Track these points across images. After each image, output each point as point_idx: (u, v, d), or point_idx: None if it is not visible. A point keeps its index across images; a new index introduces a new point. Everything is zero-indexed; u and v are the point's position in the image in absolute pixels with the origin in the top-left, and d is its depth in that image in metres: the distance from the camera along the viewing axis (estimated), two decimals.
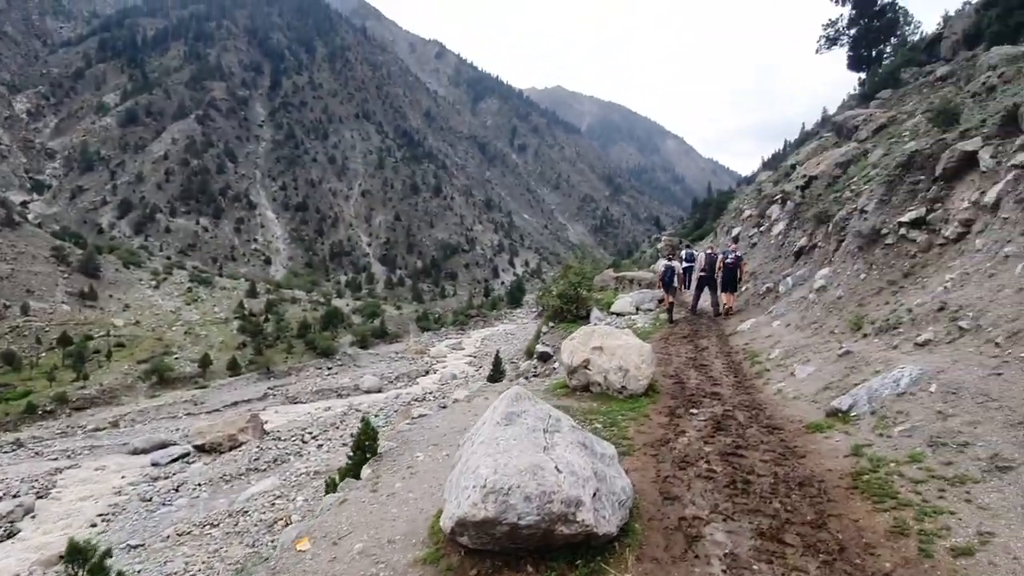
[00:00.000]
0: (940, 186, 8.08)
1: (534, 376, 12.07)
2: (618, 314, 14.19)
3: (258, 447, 26.77)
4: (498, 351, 37.31)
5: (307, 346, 49.89)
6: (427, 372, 46.25)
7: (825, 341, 7.79)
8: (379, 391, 39.44)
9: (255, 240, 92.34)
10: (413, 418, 7.01)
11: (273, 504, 19.85)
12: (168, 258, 73.13)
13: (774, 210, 15.39)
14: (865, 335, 7.12)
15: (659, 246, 34.08)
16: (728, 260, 12.51)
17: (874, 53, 26.67)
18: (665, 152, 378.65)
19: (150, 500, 19.93)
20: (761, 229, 15.88)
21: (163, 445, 27.13)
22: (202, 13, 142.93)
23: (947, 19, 22.31)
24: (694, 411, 6.01)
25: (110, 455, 26.49)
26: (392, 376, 44.23)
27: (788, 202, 14.18)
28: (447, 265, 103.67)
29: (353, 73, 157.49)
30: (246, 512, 18.92)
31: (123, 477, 23.00)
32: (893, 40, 26.72)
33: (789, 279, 11.39)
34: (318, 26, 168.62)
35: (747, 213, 18.38)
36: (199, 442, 26.66)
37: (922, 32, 25.96)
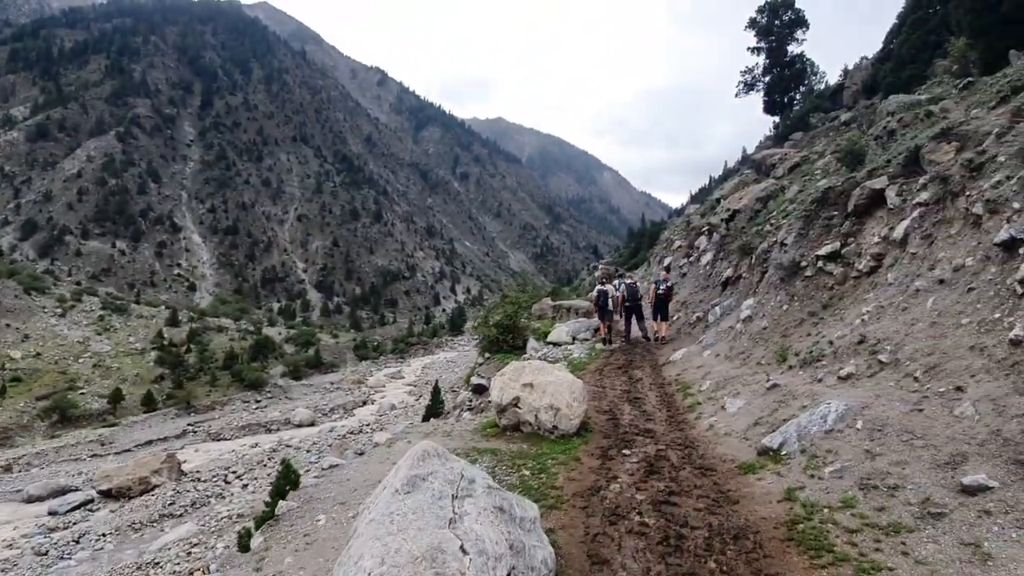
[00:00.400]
0: (852, 221, 8.38)
1: (468, 409, 11.64)
2: (555, 343, 13.85)
3: (174, 490, 24.74)
4: (437, 381, 36.40)
5: (234, 378, 46.88)
6: (365, 403, 44.53)
7: (753, 372, 7.77)
8: (312, 424, 37.49)
9: (179, 265, 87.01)
10: (323, 469, 6.32)
11: (189, 553, 18.22)
12: (78, 284, 67.42)
13: (702, 241, 15.91)
14: (791, 367, 7.13)
15: (597, 274, 34.78)
16: (660, 290, 12.71)
17: (786, 99, 28.92)
18: (602, 184, 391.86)
19: (46, 554, 18.05)
20: (691, 259, 16.32)
21: (63, 491, 24.96)
22: (128, 27, 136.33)
23: (847, 71, 24.47)
24: (627, 452, 5.78)
25: (1, 504, 23.99)
26: (327, 408, 42.30)
27: (714, 234, 14.70)
28: (387, 292, 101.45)
29: (291, 96, 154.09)
30: (158, 564, 17.58)
31: (15, 528, 20.81)
32: (802, 88, 29.03)
33: (717, 308, 11.51)
34: (255, 47, 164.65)
35: (677, 244, 18.93)
36: (105, 487, 24.39)
37: (827, 82, 28.52)
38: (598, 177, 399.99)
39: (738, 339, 9.35)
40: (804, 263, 8.69)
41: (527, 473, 5.17)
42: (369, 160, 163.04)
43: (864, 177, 8.68)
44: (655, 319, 13.15)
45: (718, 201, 18.26)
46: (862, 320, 6.63)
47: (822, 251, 8.36)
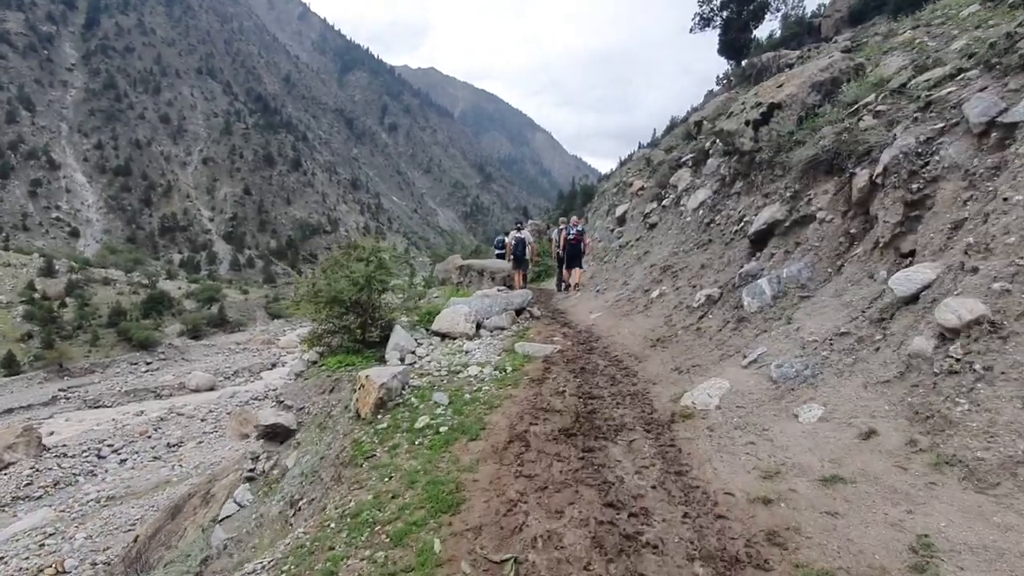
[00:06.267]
0: None
1: (247, 480, 6.16)
2: (443, 336, 7.54)
3: (32, 468, 21.58)
4: None
5: (120, 336, 41.89)
6: (274, 365, 41.78)
7: None
8: (211, 389, 34.25)
9: (57, 207, 76.76)
10: None
11: (42, 545, 15.85)
12: None
13: (682, 176, 11.40)
14: None
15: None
16: (570, 236, 11.85)
17: (743, 40, 26.81)
18: (535, 145, 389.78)
19: None
20: (665, 203, 11.66)
21: None
22: None
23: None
24: None
25: None
26: (230, 371, 38.96)
27: (711, 158, 10.17)
28: (306, 246, 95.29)
29: (196, 22, 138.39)
30: (1, 559, 14.80)
31: None
32: (763, 23, 27.14)
33: (763, 283, 5.93)
34: None
35: (638, 185, 14.05)
36: None
37: (803, 10, 26.77)
38: (531, 138, 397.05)
39: (931, 387, 3.31)
40: None
41: None
42: (287, 102, 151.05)
43: None
44: (567, 269, 12.31)
45: (698, 125, 13.30)
46: None
47: None
